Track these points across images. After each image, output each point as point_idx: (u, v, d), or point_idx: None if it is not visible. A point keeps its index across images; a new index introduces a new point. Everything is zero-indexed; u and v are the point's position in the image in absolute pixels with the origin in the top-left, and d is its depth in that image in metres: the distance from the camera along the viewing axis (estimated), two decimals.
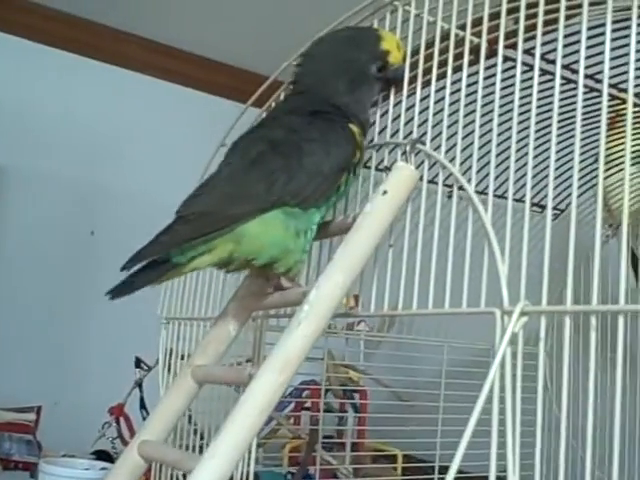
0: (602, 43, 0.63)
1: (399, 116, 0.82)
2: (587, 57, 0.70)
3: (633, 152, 1.16)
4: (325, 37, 0.86)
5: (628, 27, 0.62)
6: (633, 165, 1.25)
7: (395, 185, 0.72)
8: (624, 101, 1.01)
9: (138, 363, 1.64)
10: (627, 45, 0.63)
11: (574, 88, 0.89)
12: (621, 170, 1.25)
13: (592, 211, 1.30)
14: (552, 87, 0.68)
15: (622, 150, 1.16)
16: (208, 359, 0.81)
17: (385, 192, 0.71)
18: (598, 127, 1.05)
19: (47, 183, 2.15)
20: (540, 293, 0.61)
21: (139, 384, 1.63)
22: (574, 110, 0.82)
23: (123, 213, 2.22)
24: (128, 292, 0.70)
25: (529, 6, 0.70)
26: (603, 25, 0.63)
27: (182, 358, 1.12)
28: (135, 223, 2.18)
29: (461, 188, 0.70)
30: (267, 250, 0.74)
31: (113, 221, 2.22)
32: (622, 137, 1.04)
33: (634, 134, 1.05)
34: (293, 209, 0.74)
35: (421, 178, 0.75)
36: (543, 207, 1.22)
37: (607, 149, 1.18)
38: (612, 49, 0.65)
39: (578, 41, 0.66)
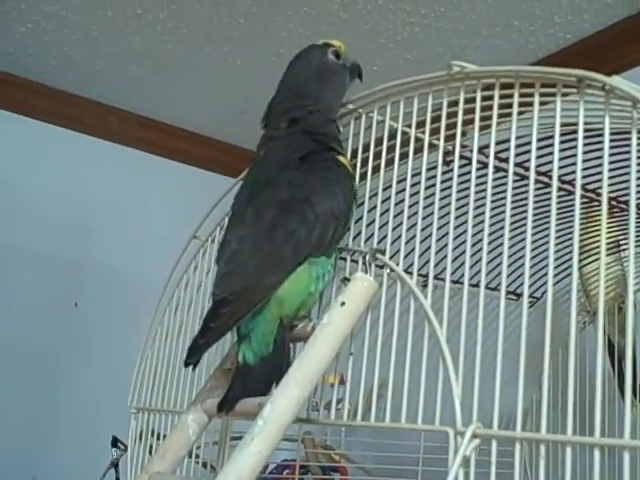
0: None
1: (361, 217, 0.83)
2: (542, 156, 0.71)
3: (608, 243, 1.18)
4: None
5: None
6: (608, 255, 1.26)
7: (353, 296, 0.72)
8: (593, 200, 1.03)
9: (115, 442, 1.61)
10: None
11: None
12: (598, 259, 1.26)
13: (568, 299, 1.29)
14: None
15: (598, 241, 1.18)
16: (166, 466, 0.79)
17: (343, 303, 0.71)
18: (570, 222, 1.06)
19: (31, 256, 2.15)
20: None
21: (115, 464, 1.60)
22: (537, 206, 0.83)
23: (107, 285, 2.22)
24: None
25: (484, 119, 0.72)
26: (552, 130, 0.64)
27: (152, 434, 1.11)
28: (118, 295, 2.18)
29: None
30: (297, 300, 0.77)
31: (96, 293, 2.21)
32: (596, 230, 1.06)
33: (608, 226, 1.07)
34: (316, 258, 0.77)
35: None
36: (519, 295, 1.22)
37: (584, 240, 1.20)
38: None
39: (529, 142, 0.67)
